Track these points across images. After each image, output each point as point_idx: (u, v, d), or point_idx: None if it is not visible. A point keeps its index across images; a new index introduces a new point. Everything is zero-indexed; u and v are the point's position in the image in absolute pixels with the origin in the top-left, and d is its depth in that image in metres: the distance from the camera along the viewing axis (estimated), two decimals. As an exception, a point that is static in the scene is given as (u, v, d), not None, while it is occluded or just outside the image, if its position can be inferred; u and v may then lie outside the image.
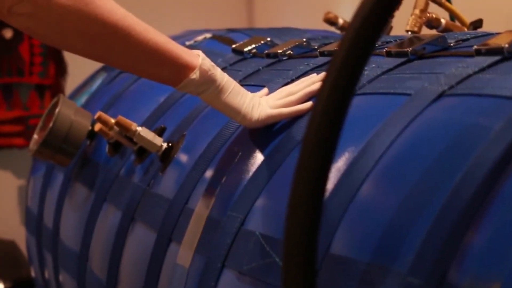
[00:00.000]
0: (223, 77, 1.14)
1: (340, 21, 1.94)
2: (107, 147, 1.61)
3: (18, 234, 2.87)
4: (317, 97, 0.67)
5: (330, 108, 0.66)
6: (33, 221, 1.98)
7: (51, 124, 1.59)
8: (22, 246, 2.80)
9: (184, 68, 1.09)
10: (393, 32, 1.84)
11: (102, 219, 1.51)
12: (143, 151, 1.44)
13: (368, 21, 0.65)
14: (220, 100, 1.14)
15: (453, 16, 1.66)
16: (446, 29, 1.54)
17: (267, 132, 1.16)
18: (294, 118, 1.14)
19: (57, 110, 1.61)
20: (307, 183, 0.67)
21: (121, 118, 1.35)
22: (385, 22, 0.65)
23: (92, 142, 1.70)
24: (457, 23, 1.62)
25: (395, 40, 1.32)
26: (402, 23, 1.71)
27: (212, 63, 1.13)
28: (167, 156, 1.34)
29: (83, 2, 1.00)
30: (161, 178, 1.33)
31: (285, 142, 1.09)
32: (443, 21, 1.54)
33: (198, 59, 1.10)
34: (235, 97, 1.14)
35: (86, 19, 1.02)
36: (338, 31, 1.96)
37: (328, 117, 0.66)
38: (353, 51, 0.66)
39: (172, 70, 1.10)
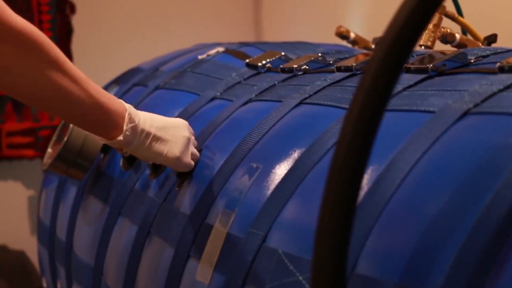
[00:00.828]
0: (143, 129, 1.24)
1: (352, 35, 1.93)
2: (121, 161, 1.60)
3: (28, 244, 2.87)
4: (347, 114, 0.67)
5: (361, 125, 0.66)
6: (45, 233, 1.98)
7: (65, 138, 1.59)
8: (32, 256, 2.80)
9: (114, 129, 1.20)
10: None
11: (117, 233, 1.51)
12: (158, 166, 1.44)
13: (400, 38, 0.65)
14: (142, 151, 1.26)
15: (466, 30, 1.65)
16: (461, 44, 1.54)
17: (287, 147, 1.15)
18: (316, 133, 1.14)
19: (71, 124, 1.61)
20: (337, 201, 0.67)
21: None
22: (417, 38, 0.65)
23: (105, 156, 1.70)
24: (470, 37, 1.62)
25: (412, 56, 1.32)
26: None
27: (135, 121, 1.23)
28: (184, 172, 1.34)
29: (41, 70, 1.10)
30: (178, 193, 1.33)
31: (305, 158, 1.09)
32: (457, 36, 1.54)
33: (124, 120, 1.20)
34: (155, 145, 1.26)
35: (38, 85, 1.11)
36: (349, 45, 1.96)
37: (359, 134, 0.66)
38: (384, 68, 0.66)
39: (105, 128, 1.20)
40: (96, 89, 1.17)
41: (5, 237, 2.90)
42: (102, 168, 1.69)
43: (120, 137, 1.21)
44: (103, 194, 1.62)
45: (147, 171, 1.48)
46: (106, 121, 1.19)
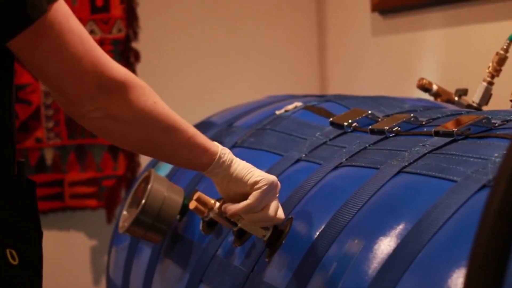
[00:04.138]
0: (234, 162, 1.26)
1: (434, 87, 1.87)
2: (201, 225, 1.54)
3: (90, 296, 2.83)
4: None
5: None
6: (116, 293, 1.93)
7: (143, 201, 1.54)
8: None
9: (211, 156, 1.22)
10: (494, 103, 1.76)
11: (199, 301, 1.44)
12: (243, 232, 1.37)
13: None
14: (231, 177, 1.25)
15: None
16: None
17: (390, 221, 1.08)
18: (422, 206, 1.06)
19: (149, 186, 1.55)
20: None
21: (227, 205, 1.28)
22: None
23: (183, 218, 1.64)
24: None
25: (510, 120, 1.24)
26: (504, 91, 1.63)
27: (226, 150, 1.25)
28: (274, 242, 1.27)
29: (147, 115, 1.12)
30: (268, 264, 1.26)
31: (415, 235, 1.02)
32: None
33: (218, 147, 1.24)
34: (241, 172, 1.24)
35: (146, 128, 1.14)
36: (431, 98, 1.89)
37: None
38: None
39: (204, 160, 1.22)
40: (194, 130, 1.20)
41: (68, 288, 2.86)
42: (179, 231, 1.63)
43: (217, 160, 1.23)
44: (182, 258, 1.56)
45: (230, 238, 1.41)
46: (202, 158, 1.21)
